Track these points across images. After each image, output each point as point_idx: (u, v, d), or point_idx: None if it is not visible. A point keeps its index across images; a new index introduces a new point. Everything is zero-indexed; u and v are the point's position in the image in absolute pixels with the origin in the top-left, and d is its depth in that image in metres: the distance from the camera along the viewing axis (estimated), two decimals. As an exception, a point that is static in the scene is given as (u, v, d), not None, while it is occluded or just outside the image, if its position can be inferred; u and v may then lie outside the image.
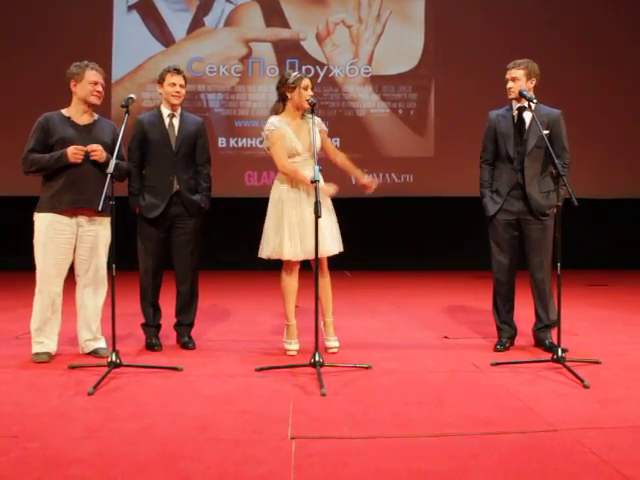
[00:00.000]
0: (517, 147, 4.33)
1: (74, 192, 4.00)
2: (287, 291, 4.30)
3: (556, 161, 3.91)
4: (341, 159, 4.43)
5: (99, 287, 4.18)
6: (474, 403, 3.25)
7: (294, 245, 4.14)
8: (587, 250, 8.65)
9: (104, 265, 4.17)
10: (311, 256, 4.11)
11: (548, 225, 4.28)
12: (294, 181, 4.18)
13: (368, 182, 4.33)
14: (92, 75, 4.08)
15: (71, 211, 4.03)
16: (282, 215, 4.18)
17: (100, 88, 4.11)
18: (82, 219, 4.07)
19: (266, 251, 4.23)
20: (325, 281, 4.29)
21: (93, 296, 4.16)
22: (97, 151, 4.01)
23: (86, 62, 4.12)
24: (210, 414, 3.08)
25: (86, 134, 4.08)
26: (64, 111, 4.12)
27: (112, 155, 4.01)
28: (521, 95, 4.22)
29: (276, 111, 4.31)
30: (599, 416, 3.04)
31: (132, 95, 4.05)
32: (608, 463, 2.49)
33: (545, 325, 4.38)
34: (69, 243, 4.05)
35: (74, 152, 3.95)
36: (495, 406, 3.20)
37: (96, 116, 4.20)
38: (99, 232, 4.13)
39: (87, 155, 3.99)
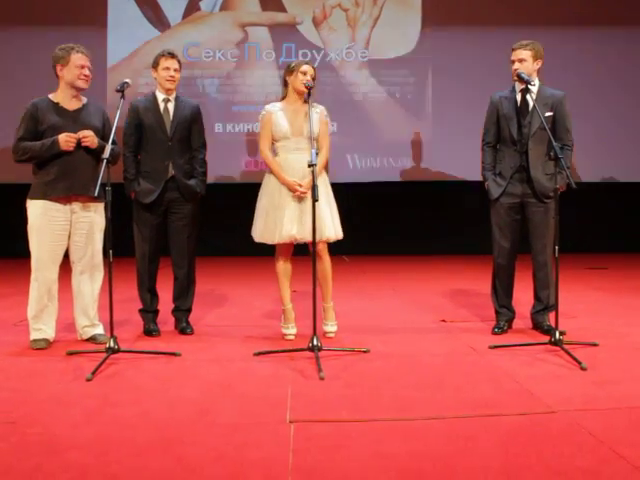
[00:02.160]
0: (521, 129, 4.31)
1: (68, 179, 3.97)
2: (280, 275, 4.31)
3: (554, 144, 3.90)
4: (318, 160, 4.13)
5: (95, 273, 4.17)
6: (472, 386, 3.26)
7: (277, 229, 4.13)
8: (586, 233, 8.65)
9: (100, 251, 4.16)
10: (300, 240, 4.14)
11: (551, 208, 4.23)
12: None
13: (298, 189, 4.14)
14: (78, 58, 4.00)
15: (65, 198, 4.01)
16: (270, 199, 4.19)
17: (87, 72, 4.04)
18: (76, 205, 4.05)
19: (256, 234, 4.25)
20: (324, 266, 4.28)
21: (90, 282, 4.15)
22: (89, 137, 3.97)
23: (71, 45, 4.03)
24: (209, 399, 3.08)
25: (76, 120, 4.03)
26: (52, 96, 4.07)
27: (103, 139, 3.99)
28: (519, 77, 4.20)
29: (281, 97, 4.34)
30: (596, 398, 3.05)
31: (127, 80, 4.01)
32: (605, 444, 2.50)
33: (544, 308, 4.38)
34: (64, 229, 4.03)
35: (66, 140, 3.91)
36: (493, 388, 3.21)
37: (85, 100, 4.16)
38: (94, 218, 4.11)
39: (79, 141, 3.96)
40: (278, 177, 4.18)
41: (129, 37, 9.04)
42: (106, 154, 3.68)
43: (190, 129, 4.39)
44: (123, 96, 3.90)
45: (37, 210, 3.99)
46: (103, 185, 3.63)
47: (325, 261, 4.27)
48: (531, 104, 4.25)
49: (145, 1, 9.12)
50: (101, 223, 4.16)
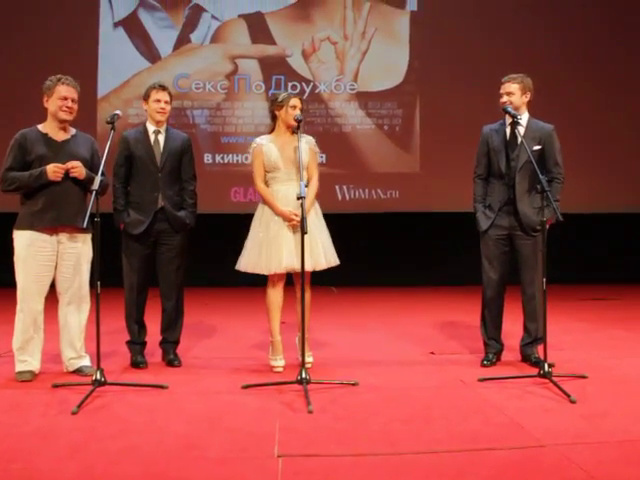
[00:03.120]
0: (509, 162, 4.35)
1: (55, 210, 3.95)
2: (271, 307, 4.29)
3: (540, 177, 3.93)
4: (309, 191, 4.22)
5: (82, 304, 4.13)
6: (461, 419, 3.24)
7: (274, 259, 4.13)
8: (572, 265, 8.69)
9: (87, 282, 4.13)
10: (291, 271, 4.15)
11: (539, 241, 4.24)
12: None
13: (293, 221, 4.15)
14: (62, 90, 3.99)
15: (52, 228, 3.98)
16: (265, 230, 4.19)
17: (70, 103, 4.02)
18: (63, 236, 4.02)
19: (244, 264, 4.24)
20: (306, 296, 4.29)
21: (76, 313, 4.11)
22: (77, 168, 3.96)
23: (59, 76, 4.03)
24: (196, 432, 3.05)
25: (64, 150, 4.02)
26: (40, 127, 4.06)
27: (91, 170, 4.00)
28: (505, 111, 4.26)
29: (269, 130, 4.37)
30: (586, 431, 3.04)
31: (118, 111, 4.04)
32: (595, 478, 2.49)
33: (533, 340, 4.38)
34: (50, 260, 4.00)
35: (54, 170, 3.90)
36: (482, 422, 3.19)
37: (73, 131, 4.15)
38: (81, 249, 4.09)
39: (67, 172, 3.95)
40: (273, 208, 4.18)
41: (120, 68, 9.08)
42: (95, 185, 3.68)
43: (180, 161, 4.40)
44: (114, 127, 3.92)
45: (23, 241, 3.96)
46: (92, 216, 3.63)
47: (307, 291, 4.28)
48: (519, 138, 4.28)
49: (136, 33, 9.19)
50: (88, 254, 4.13)
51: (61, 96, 3.99)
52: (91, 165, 4.10)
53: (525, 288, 4.40)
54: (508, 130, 4.39)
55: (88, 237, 4.12)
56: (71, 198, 4.01)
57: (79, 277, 4.09)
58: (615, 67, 9.27)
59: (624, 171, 9.27)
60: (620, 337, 5.42)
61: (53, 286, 4.09)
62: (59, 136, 4.06)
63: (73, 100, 4.05)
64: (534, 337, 4.38)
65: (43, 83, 4.06)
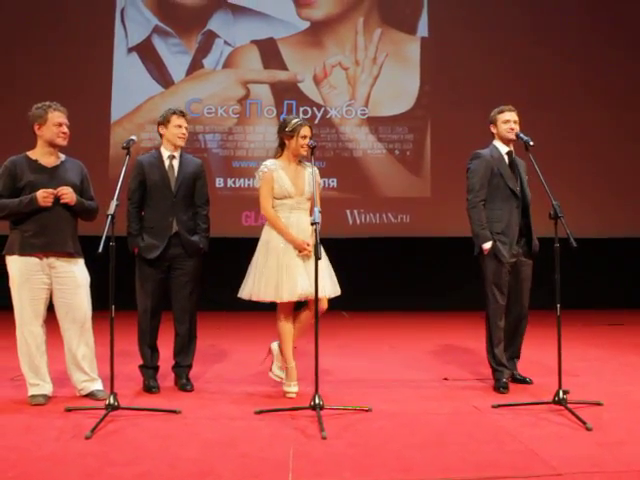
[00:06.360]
0: (520, 190, 4.44)
1: (45, 236, 3.96)
2: (284, 334, 4.28)
3: (554, 202, 3.96)
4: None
5: (85, 329, 4.11)
6: (476, 446, 3.21)
7: (288, 287, 4.11)
8: (579, 290, 8.65)
9: (85, 307, 4.11)
10: (304, 298, 4.15)
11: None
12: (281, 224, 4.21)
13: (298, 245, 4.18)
14: (56, 117, 4.04)
15: (42, 253, 3.99)
16: (274, 257, 4.17)
17: (65, 129, 4.07)
18: (53, 260, 4.02)
19: (247, 292, 4.22)
20: (302, 326, 4.30)
21: (81, 338, 4.09)
22: (67, 193, 3.99)
23: (48, 103, 4.07)
24: (209, 458, 3.04)
25: (54, 176, 4.04)
26: (30, 153, 4.09)
27: (81, 195, 4.09)
28: (518, 137, 4.30)
29: (275, 155, 4.37)
30: (603, 460, 3.01)
31: (133, 137, 4.07)
32: (614, 508, 2.46)
33: (516, 357, 4.57)
34: (43, 283, 4.00)
35: (44, 196, 3.92)
36: (497, 449, 3.16)
37: (63, 157, 4.17)
38: (75, 273, 4.07)
39: (57, 198, 3.97)
40: (285, 235, 4.17)
41: (133, 92, 9.19)
42: (111, 210, 3.71)
43: (194, 186, 4.43)
44: (129, 153, 3.96)
45: (15, 266, 3.98)
46: (108, 240, 3.63)
47: (304, 321, 4.30)
48: (520, 167, 4.48)
49: (150, 58, 9.32)
50: (85, 277, 4.14)
51: (56, 122, 4.03)
52: (81, 190, 4.14)
53: (522, 310, 4.50)
54: (506, 158, 4.46)
55: (80, 261, 4.13)
56: (61, 224, 4.02)
57: (76, 302, 4.07)
58: (629, 94, 9.31)
59: (637, 196, 9.28)
60: (635, 363, 5.37)
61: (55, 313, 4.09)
62: (49, 162, 4.08)
63: (67, 125, 4.10)
64: (517, 354, 4.57)
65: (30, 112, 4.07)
